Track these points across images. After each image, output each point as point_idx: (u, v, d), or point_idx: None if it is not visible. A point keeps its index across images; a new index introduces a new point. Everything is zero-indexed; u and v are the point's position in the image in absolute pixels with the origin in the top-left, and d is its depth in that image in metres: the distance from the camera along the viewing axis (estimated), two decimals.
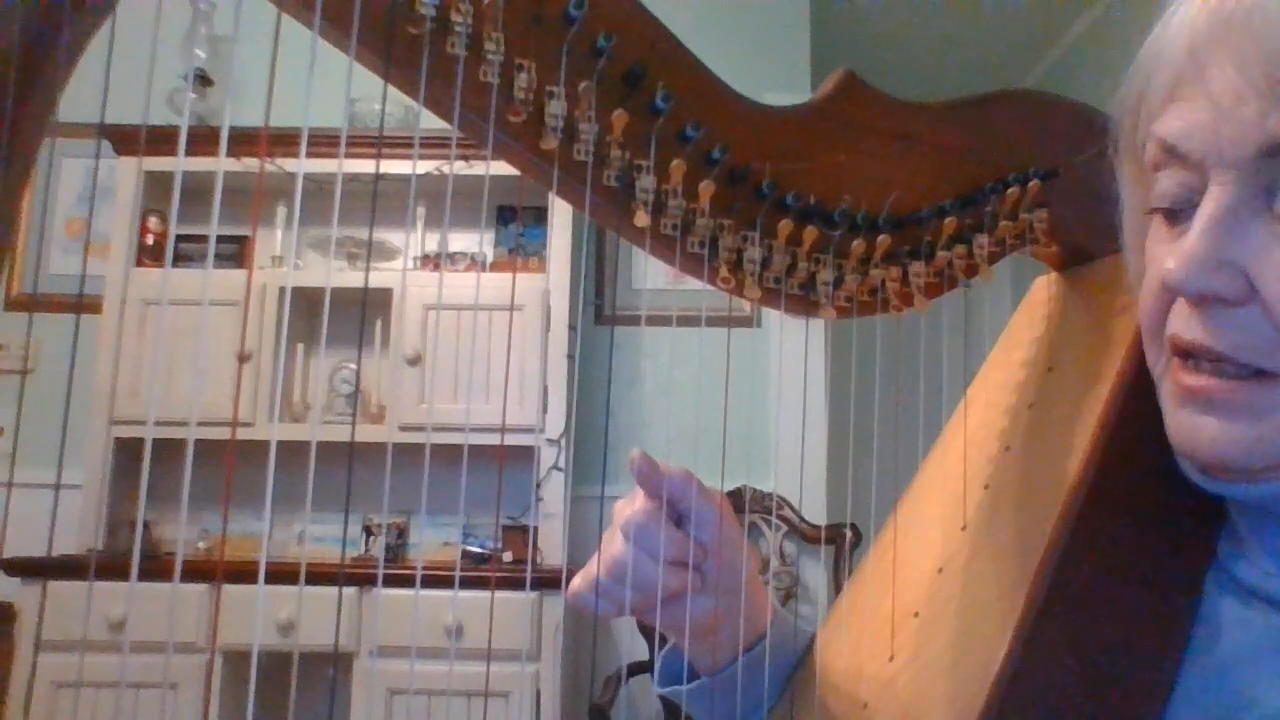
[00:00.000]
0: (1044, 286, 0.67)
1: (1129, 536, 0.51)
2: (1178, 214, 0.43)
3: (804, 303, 0.55)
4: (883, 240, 0.55)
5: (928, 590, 0.58)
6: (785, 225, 0.53)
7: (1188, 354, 0.43)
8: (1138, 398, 0.51)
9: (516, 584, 2.14)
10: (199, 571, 2.16)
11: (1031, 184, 0.58)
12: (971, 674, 0.50)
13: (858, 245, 0.54)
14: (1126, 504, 0.52)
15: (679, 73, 0.51)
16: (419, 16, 0.46)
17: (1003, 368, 0.65)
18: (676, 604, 0.56)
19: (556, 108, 0.49)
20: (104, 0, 0.38)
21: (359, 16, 0.44)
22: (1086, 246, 0.62)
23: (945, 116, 0.57)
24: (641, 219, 0.50)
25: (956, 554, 0.58)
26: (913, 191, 0.56)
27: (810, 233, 0.53)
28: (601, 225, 0.54)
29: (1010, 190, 0.57)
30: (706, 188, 0.51)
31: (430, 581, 2.29)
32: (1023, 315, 0.67)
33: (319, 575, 2.20)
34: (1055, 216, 0.59)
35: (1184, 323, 0.42)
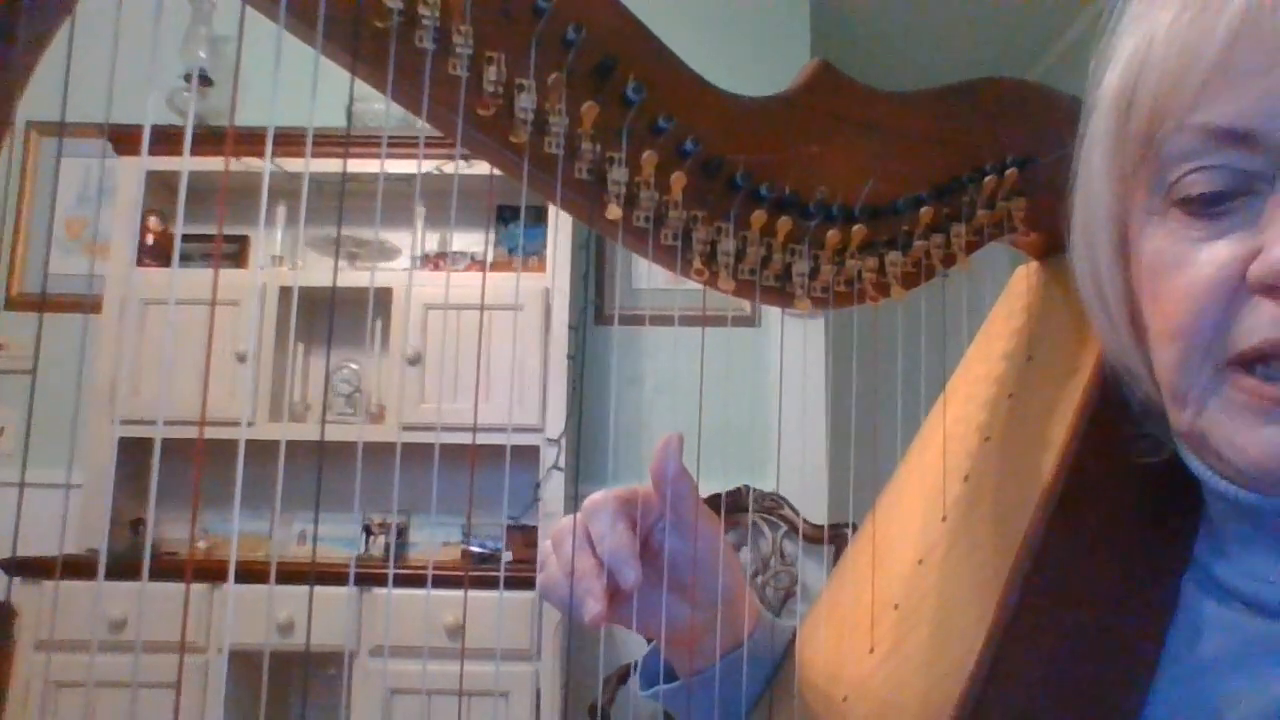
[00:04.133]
0: (1023, 277, 0.66)
1: (1105, 529, 0.51)
2: (1213, 206, 0.40)
3: (779, 294, 0.54)
4: (858, 230, 0.54)
5: (907, 582, 0.58)
6: (759, 216, 0.53)
7: (1258, 362, 0.40)
8: (1117, 389, 0.51)
9: (516, 584, 2.14)
10: (197, 571, 2.17)
11: (1009, 172, 0.57)
12: (949, 666, 0.50)
13: (833, 236, 0.54)
14: (1104, 497, 0.52)
15: (650, 64, 0.50)
16: (386, 10, 0.45)
17: (982, 359, 0.65)
18: (649, 611, 0.55)
19: (526, 101, 0.48)
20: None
21: (324, 11, 0.43)
22: (1065, 235, 0.61)
23: (921, 106, 0.57)
24: (614, 212, 0.50)
25: (936, 546, 0.58)
26: (889, 181, 0.55)
27: (785, 224, 0.53)
28: (574, 218, 0.54)
29: (987, 179, 0.57)
30: (679, 179, 0.51)
31: (430, 581, 2.29)
32: (1002, 306, 0.67)
33: (319, 575, 2.20)
34: (1033, 205, 0.59)
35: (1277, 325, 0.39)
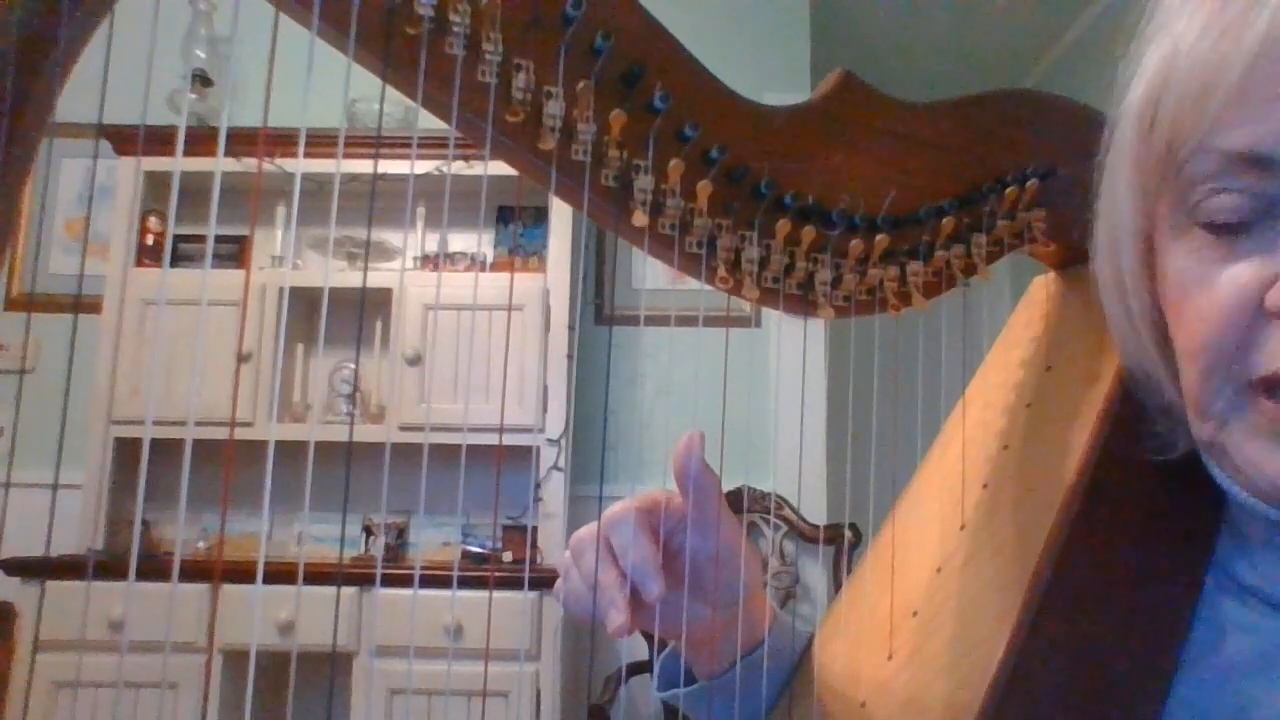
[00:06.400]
0: (1042, 286, 0.67)
1: (1127, 535, 0.51)
2: (1238, 228, 0.41)
3: (802, 302, 0.55)
4: (881, 240, 0.55)
5: (926, 590, 0.58)
6: (783, 225, 0.53)
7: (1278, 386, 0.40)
8: (1136, 397, 0.51)
9: (516, 584, 2.14)
10: (199, 571, 2.16)
11: (1030, 183, 0.58)
12: (969, 673, 0.50)
13: (856, 245, 0.54)
14: (1124, 503, 0.52)
15: (677, 73, 0.51)
16: (417, 17, 0.46)
17: (1001, 367, 0.65)
18: (667, 613, 0.55)
19: (554, 108, 0.48)
20: None
21: (357, 17, 0.44)
22: (1085, 246, 0.62)
23: (943, 116, 0.57)
24: (639, 219, 0.50)
25: (955, 553, 0.58)
26: (911, 191, 0.56)
27: (808, 232, 0.53)
28: (600, 225, 0.54)
29: (1008, 190, 0.57)
30: (704, 187, 0.51)
31: (430, 581, 2.29)
32: (1021, 314, 0.68)
33: (318, 575, 2.20)
34: (1053, 216, 0.59)
35: None
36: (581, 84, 0.49)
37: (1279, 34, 0.38)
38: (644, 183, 0.51)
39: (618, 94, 0.49)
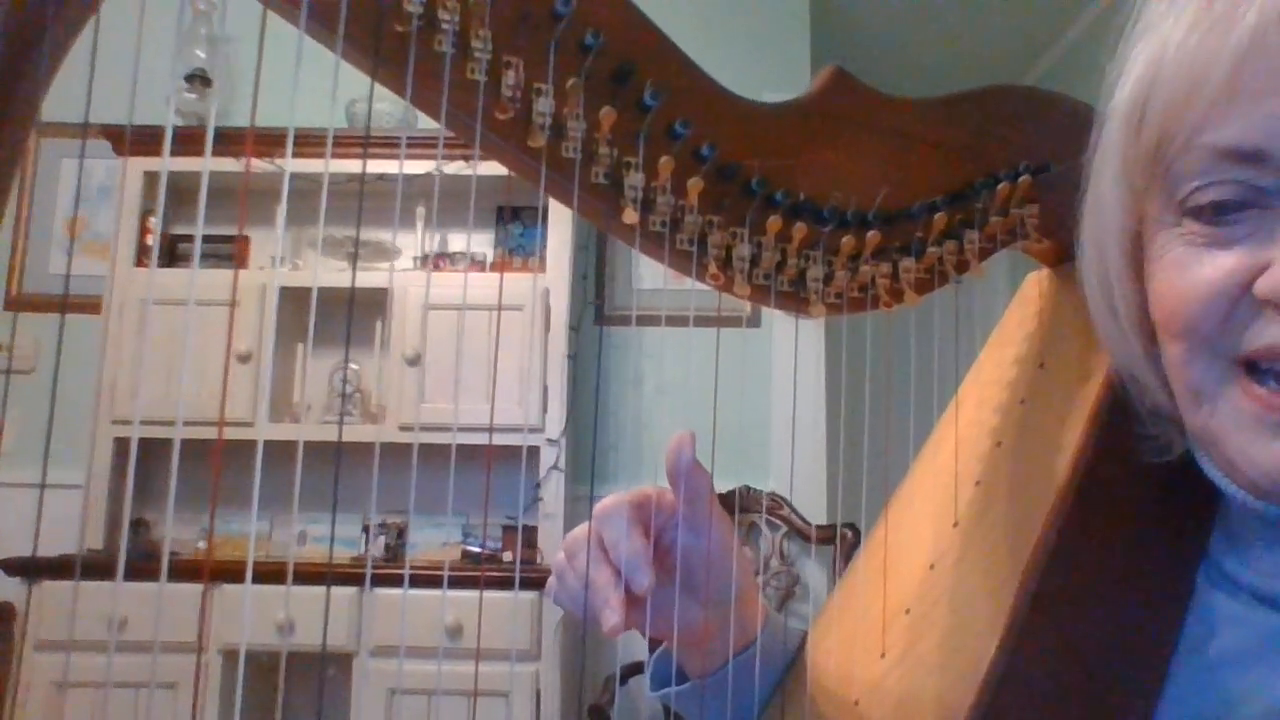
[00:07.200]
0: (1035, 283, 0.67)
1: (1119, 532, 0.51)
2: (1222, 214, 0.41)
3: (794, 299, 0.55)
4: (873, 236, 0.55)
5: (919, 587, 0.58)
6: (774, 222, 0.53)
7: (1269, 373, 0.41)
8: (1129, 394, 0.51)
9: (516, 584, 2.14)
10: (196, 571, 2.16)
11: (1022, 179, 0.58)
12: (962, 670, 0.50)
13: (848, 242, 0.54)
14: (1117, 499, 0.52)
15: (667, 69, 0.51)
16: (406, 14, 0.45)
17: (994, 365, 0.65)
18: (659, 611, 0.55)
19: (544, 105, 0.48)
20: None
21: (346, 15, 0.43)
22: (1075, 243, 0.62)
23: (936, 112, 0.57)
24: (630, 216, 0.50)
25: (948, 551, 0.58)
26: (903, 188, 0.56)
27: (800, 229, 0.53)
28: (591, 223, 0.54)
29: (1001, 186, 0.57)
30: (695, 185, 0.51)
31: (428, 581, 2.29)
32: (1014, 312, 0.67)
33: (317, 575, 2.20)
34: (1046, 212, 0.59)
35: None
36: (571, 81, 0.49)
37: (1266, 28, 0.38)
38: (634, 180, 0.50)
39: (608, 91, 0.49)
